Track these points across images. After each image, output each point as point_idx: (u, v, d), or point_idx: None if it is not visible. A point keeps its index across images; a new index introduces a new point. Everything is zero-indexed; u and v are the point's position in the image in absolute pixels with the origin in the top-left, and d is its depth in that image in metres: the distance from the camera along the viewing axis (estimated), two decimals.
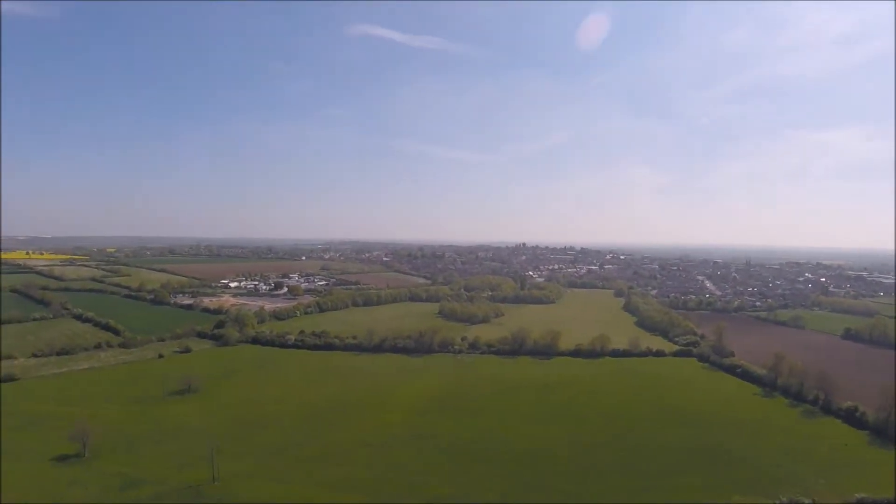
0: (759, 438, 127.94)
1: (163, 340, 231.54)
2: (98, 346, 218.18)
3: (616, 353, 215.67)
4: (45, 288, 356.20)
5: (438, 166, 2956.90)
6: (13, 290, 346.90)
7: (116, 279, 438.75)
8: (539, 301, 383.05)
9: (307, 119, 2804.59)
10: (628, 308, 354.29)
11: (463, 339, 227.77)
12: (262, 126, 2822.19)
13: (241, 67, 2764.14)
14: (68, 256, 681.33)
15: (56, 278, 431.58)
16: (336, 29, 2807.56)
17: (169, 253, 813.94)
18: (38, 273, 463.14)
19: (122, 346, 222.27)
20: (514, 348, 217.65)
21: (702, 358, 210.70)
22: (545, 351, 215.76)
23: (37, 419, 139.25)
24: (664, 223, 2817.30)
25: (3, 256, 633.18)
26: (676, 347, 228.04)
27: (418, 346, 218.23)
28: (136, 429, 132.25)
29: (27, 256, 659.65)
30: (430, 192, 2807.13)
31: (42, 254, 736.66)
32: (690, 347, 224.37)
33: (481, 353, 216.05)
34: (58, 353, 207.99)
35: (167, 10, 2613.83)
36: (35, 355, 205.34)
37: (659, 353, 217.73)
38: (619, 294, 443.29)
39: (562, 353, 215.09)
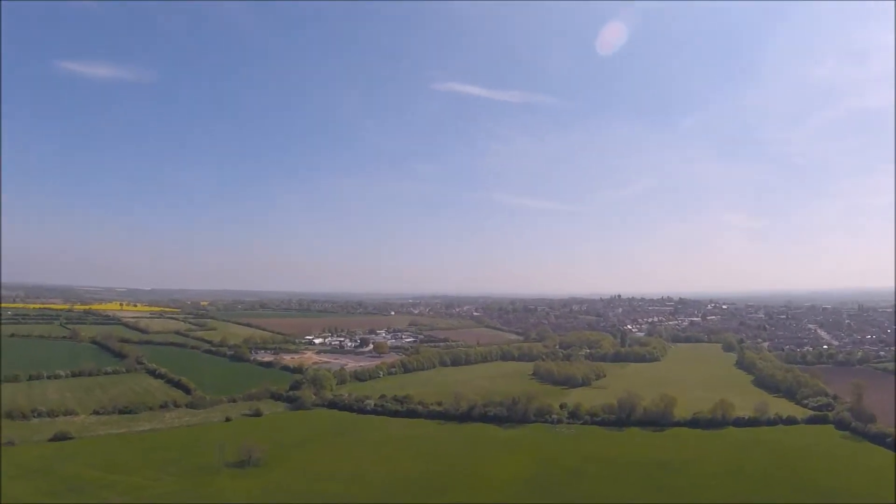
0: None
1: (234, 401, 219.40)
2: (164, 406, 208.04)
3: (740, 422, 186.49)
4: (125, 340, 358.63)
5: (527, 218, 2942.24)
6: (93, 342, 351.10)
7: (201, 333, 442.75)
8: (642, 358, 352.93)
9: (397, 174, 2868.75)
10: (742, 365, 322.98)
11: (562, 407, 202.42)
12: (355, 182, 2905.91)
13: (336, 126, 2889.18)
14: (160, 309, 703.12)
15: (141, 331, 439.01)
16: (423, 86, 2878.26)
17: (260, 307, 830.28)
18: (125, 325, 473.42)
19: (190, 406, 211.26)
20: (621, 418, 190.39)
21: (840, 425, 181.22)
22: (657, 420, 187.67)
23: (76, 485, 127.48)
24: (761, 268, 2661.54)
25: (98, 307, 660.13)
26: (808, 412, 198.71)
27: (511, 415, 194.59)
28: None
29: (119, 308, 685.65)
30: (520, 244, 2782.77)
31: (136, 305, 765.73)
32: (825, 412, 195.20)
33: (583, 424, 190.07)
34: (120, 412, 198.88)
35: (264, 75, 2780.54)
36: (96, 412, 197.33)
37: (790, 421, 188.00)
38: (727, 348, 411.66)
39: (677, 423, 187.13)
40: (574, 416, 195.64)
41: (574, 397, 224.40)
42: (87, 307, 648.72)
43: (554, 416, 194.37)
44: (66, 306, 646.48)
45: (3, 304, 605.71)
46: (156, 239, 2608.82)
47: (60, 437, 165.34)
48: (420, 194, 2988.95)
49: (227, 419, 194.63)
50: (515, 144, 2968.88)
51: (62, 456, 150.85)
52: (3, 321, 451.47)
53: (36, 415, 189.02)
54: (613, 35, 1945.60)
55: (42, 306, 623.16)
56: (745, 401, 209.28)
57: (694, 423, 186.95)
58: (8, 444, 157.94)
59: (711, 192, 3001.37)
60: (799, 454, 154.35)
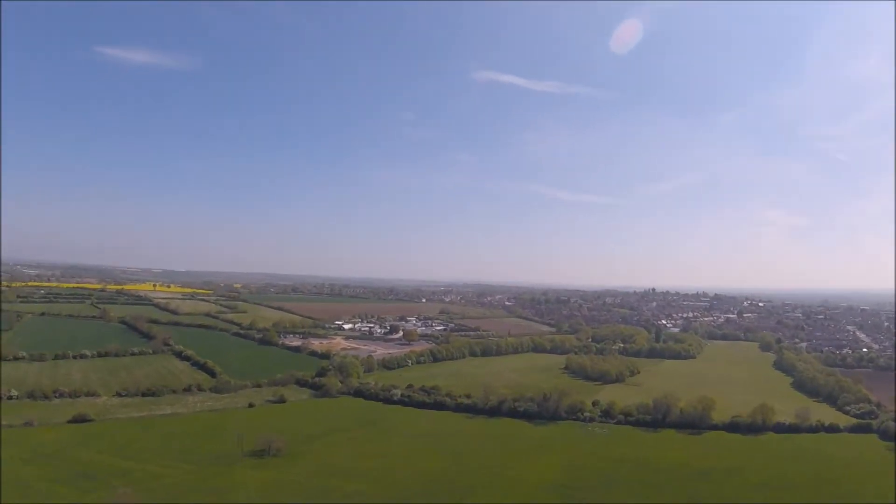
0: None
1: (259, 386, 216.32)
2: (187, 389, 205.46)
3: (781, 428, 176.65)
4: (154, 321, 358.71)
5: (563, 209, 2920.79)
6: (122, 322, 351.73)
7: (231, 316, 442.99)
8: (677, 355, 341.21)
9: (433, 164, 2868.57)
10: (781, 366, 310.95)
11: (594, 405, 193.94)
12: (392, 171, 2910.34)
13: (374, 116, 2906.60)
14: (192, 291, 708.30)
15: (171, 312, 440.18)
16: (461, 76, 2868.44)
17: (292, 291, 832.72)
18: (155, 306, 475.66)
19: (214, 390, 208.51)
20: (657, 419, 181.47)
21: (884, 435, 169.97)
22: (694, 423, 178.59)
23: (87, 472, 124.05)
24: (797, 266, 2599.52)
25: (131, 288, 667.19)
26: (851, 420, 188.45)
27: (542, 411, 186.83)
28: (190, 498, 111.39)
29: (152, 289, 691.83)
30: (555, 236, 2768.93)
31: (169, 287, 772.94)
32: (868, 420, 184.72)
33: (616, 423, 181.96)
34: (143, 394, 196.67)
35: (303, 66, 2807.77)
36: (119, 394, 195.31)
37: (832, 429, 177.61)
38: (765, 347, 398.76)
39: (715, 427, 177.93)
40: (607, 414, 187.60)
41: (607, 394, 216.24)
42: (119, 287, 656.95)
43: (586, 415, 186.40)
44: (99, 286, 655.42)
45: (36, 283, 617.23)
46: (193, 221, 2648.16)
47: (79, 420, 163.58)
48: (456, 184, 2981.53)
49: (251, 405, 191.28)
50: (553, 136, 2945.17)
51: (78, 439, 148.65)
52: (35, 300, 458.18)
53: (57, 395, 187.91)
54: (628, 34, 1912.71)
55: (76, 286, 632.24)
56: (785, 404, 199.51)
57: (733, 427, 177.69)
58: (27, 424, 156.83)
59: (752, 188, 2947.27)
60: (844, 467, 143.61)
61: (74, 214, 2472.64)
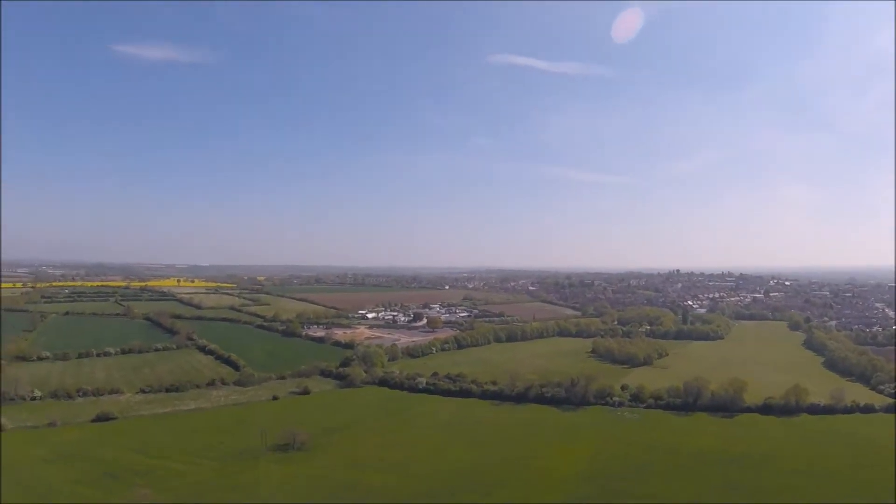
0: None
1: (283, 378, 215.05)
2: (211, 384, 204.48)
3: (815, 410, 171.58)
4: (178, 316, 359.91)
5: (585, 191, 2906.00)
6: (146, 318, 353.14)
7: (254, 308, 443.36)
8: (705, 336, 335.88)
9: (453, 149, 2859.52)
10: (811, 345, 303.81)
11: (623, 389, 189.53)
12: (411, 158, 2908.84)
13: (393, 104, 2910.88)
14: (216, 284, 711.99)
15: (195, 306, 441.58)
16: (479, 60, 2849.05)
17: (315, 282, 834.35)
18: (179, 301, 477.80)
19: (238, 383, 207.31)
20: (688, 402, 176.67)
21: None
22: (727, 406, 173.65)
23: (112, 471, 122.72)
24: (824, 243, 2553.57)
25: (155, 284, 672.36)
26: (886, 399, 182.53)
27: (570, 397, 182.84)
28: (213, 496, 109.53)
29: (176, 284, 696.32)
30: (577, 218, 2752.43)
31: (193, 281, 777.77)
32: None
33: (646, 408, 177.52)
34: (167, 390, 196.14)
35: (319, 55, 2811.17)
36: (142, 391, 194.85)
37: (867, 409, 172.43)
38: (794, 327, 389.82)
39: (747, 409, 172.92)
40: (637, 398, 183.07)
41: (635, 378, 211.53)
42: (143, 284, 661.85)
43: (615, 399, 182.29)
44: (123, 283, 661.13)
45: (61, 283, 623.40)
46: (216, 216, 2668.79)
47: (103, 418, 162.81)
48: (476, 169, 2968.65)
49: (275, 398, 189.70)
50: (573, 117, 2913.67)
51: (102, 438, 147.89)
52: (59, 300, 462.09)
53: (81, 394, 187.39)
54: (629, 23, 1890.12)
55: (100, 284, 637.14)
56: (818, 385, 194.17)
57: (766, 409, 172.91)
58: (50, 425, 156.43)
59: (775, 164, 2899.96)
60: (883, 449, 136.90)
61: (98, 213, 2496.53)
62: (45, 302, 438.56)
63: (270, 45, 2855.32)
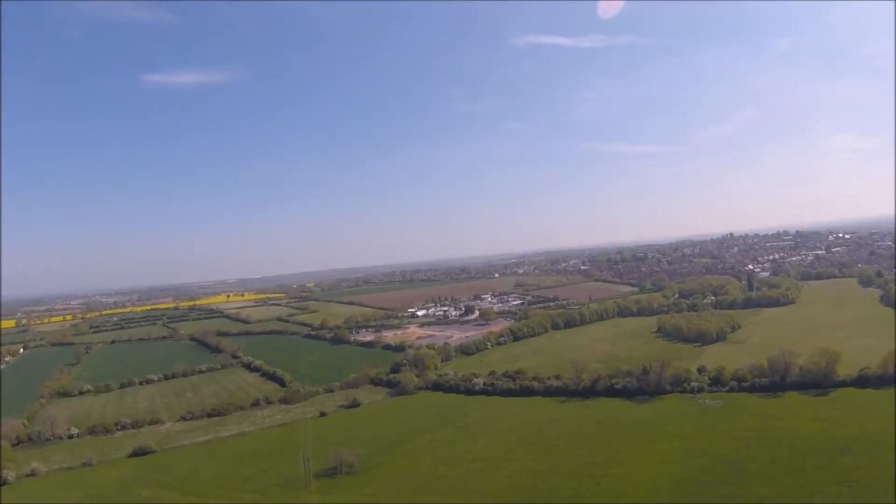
0: None
1: (331, 391, 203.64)
2: (255, 404, 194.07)
3: None
4: (223, 333, 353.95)
5: (625, 163, 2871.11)
6: (191, 338, 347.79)
7: (302, 317, 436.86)
8: (775, 302, 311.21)
9: (487, 136, 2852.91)
10: (889, 301, 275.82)
11: (701, 372, 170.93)
12: (447, 149, 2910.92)
13: (424, 98, 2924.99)
14: (264, 296, 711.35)
15: (242, 321, 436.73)
16: (504, 44, 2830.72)
17: (364, 283, 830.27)
18: (227, 317, 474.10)
19: (283, 401, 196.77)
20: (775, 381, 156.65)
21: None
22: (818, 381, 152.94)
23: None
24: (875, 191, 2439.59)
25: (203, 302, 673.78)
26: None
27: (642, 386, 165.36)
28: None
29: (225, 300, 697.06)
30: (621, 191, 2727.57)
31: (242, 295, 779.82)
32: None
33: (729, 391, 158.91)
34: (209, 415, 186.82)
35: (346, 59, 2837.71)
36: (183, 418, 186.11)
37: None
38: (865, 282, 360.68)
39: (842, 383, 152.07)
40: (717, 382, 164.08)
41: (710, 357, 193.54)
42: (191, 303, 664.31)
43: (693, 385, 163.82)
44: (172, 305, 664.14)
45: (110, 311, 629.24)
46: (260, 228, 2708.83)
47: (140, 452, 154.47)
48: (513, 153, 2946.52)
49: (322, 414, 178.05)
50: (604, 90, 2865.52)
51: (139, 475, 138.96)
52: (107, 328, 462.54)
53: (119, 427, 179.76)
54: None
55: (150, 308, 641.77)
56: None
57: (861, 381, 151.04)
58: (86, 465, 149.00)
59: (815, 115, 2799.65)
60: None
61: (148, 238, 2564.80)
62: (93, 332, 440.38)
63: (295, 54, 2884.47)
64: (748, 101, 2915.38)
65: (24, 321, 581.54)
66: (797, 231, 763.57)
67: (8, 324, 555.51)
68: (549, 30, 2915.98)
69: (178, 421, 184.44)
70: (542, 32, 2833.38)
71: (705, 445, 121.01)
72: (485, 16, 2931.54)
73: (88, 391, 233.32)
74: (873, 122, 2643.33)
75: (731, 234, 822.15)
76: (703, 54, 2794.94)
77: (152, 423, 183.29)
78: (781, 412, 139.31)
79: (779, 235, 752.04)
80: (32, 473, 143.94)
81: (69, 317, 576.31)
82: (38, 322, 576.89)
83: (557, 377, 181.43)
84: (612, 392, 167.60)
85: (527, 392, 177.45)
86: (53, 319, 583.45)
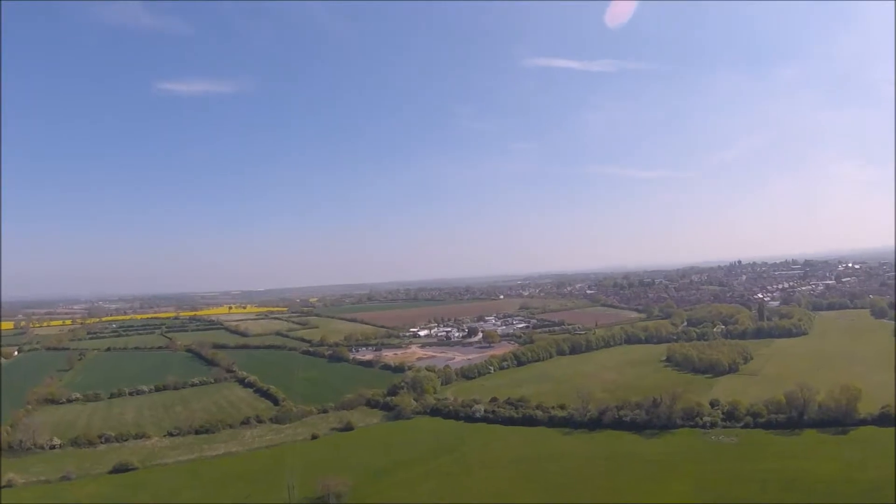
0: None
1: (325, 412, 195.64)
2: (245, 423, 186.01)
3: None
4: (221, 346, 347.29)
5: (632, 188, 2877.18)
6: (188, 350, 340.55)
7: (301, 332, 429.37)
8: (787, 333, 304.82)
9: (494, 154, 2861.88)
10: None
11: (714, 406, 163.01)
12: (455, 167, 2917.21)
13: (432, 116, 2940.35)
14: (266, 309, 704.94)
15: (241, 334, 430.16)
16: (511, 66, 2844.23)
17: (367, 300, 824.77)
18: (226, 329, 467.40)
19: (275, 420, 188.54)
20: (792, 417, 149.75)
21: None
22: (838, 419, 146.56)
23: None
24: (881, 221, 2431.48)
25: (204, 313, 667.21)
26: None
27: (652, 419, 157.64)
28: None
29: (227, 311, 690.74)
30: (627, 215, 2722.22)
31: (245, 307, 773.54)
32: None
33: (743, 427, 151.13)
34: (196, 432, 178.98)
35: (353, 71, 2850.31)
36: (170, 433, 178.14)
37: None
38: (877, 314, 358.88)
39: (863, 421, 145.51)
40: (731, 416, 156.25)
41: (723, 390, 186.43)
42: (192, 313, 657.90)
43: (706, 419, 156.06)
44: (173, 314, 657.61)
45: (111, 318, 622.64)
46: (268, 240, 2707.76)
47: (121, 469, 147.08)
48: (520, 173, 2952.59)
49: (314, 436, 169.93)
50: (613, 114, 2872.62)
51: (118, 493, 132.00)
52: (104, 335, 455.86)
53: (103, 440, 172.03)
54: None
55: (150, 316, 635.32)
56: None
57: (883, 419, 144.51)
58: (64, 478, 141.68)
59: (821, 142, 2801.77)
60: None
61: (154, 245, 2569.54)
62: (90, 338, 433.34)
63: (305, 68, 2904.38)
64: (755, 128, 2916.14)
65: (22, 323, 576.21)
66: (805, 260, 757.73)
67: (7, 325, 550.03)
68: (560, 53, 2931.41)
69: (164, 436, 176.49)
70: (552, 55, 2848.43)
71: (720, 487, 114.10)
72: (495, 35, 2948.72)
73: (77, 399, 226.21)
74: (880, 151, 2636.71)
75: (740, 262, 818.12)
76: (710, 80, 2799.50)
77: (138, 437, 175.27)
78: (800, 452, 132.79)
79: (787, 264, 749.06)
80: (8, 485, 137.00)
81: (69, 321, 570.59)
82: (37, 325, 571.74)
83: (562, 407, 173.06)
84: (619, 424, 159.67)
85: (530, 421, 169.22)
86: (53, 323, 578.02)
